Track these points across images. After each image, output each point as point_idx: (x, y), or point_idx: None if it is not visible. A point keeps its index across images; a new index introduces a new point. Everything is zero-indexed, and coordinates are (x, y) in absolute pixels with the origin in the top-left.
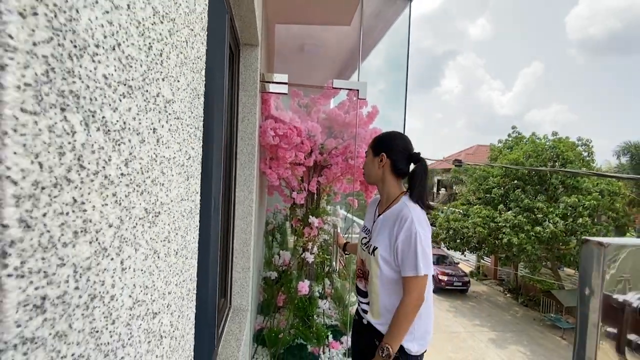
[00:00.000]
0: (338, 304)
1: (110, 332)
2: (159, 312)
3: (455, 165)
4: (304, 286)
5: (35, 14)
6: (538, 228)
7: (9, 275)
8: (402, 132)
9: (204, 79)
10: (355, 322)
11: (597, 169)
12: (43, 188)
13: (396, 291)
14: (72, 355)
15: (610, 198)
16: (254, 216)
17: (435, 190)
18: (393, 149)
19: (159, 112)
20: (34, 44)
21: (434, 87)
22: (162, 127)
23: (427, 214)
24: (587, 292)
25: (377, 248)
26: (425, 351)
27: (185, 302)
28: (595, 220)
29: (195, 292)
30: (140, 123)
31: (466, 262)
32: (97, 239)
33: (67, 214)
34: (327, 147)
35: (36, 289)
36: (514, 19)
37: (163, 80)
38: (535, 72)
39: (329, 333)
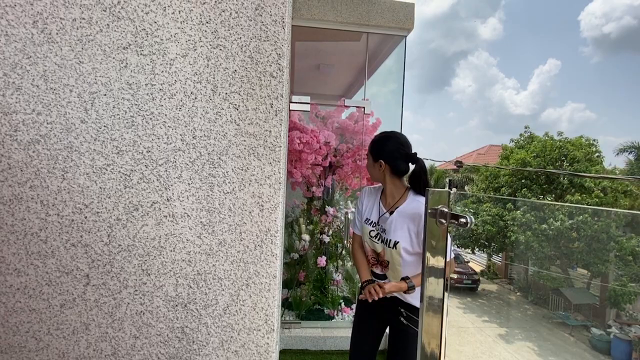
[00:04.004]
0: (348, 281)
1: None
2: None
3: (457, 166)
4: (322, 260)
5: None
6: (544, 226)
7: None
8: (397, 132)
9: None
10: (365, 305)
11: (611, 169)
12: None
13: (416, 265)
14: None
15: (613, 196)
16: (284, 203)
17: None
18: (389, 154)
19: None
20: None
21: (445, 87)
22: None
23: None
24: (436, 211)
25: (398, 242)
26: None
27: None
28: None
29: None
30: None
31: (476, 261)
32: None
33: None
34: (340, 150)
35: None
36: (527, 18)
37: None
38: (551, 70)
39: (341, 300)
